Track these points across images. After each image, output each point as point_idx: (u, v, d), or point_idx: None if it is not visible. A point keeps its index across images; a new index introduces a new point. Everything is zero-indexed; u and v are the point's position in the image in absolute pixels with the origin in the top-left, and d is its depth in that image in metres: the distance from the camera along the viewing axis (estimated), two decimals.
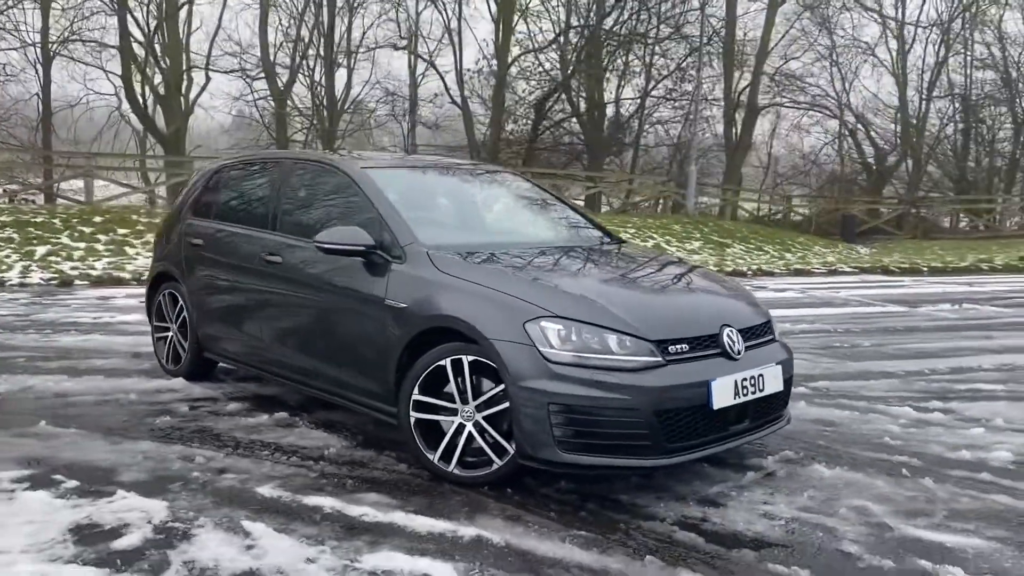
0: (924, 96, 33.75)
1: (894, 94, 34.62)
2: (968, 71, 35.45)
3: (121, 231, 14.46)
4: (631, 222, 19.43)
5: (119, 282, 11.45)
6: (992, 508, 3.71)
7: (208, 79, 26.78)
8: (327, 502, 3.62)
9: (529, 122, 26.34)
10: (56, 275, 11.40)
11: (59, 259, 12.54)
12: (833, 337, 8.13)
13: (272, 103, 25.85)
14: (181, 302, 5.61)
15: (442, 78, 26.28)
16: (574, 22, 26.00)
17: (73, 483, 3.76)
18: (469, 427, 3.81)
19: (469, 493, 3.77)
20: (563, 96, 26.18)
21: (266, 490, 3.75)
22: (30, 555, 3.07)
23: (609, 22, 25.51)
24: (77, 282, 11.24)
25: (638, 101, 28.57)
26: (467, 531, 3.34)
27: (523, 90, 26.89)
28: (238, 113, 27.84)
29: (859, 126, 35.55)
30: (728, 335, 3.85)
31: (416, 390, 3.92)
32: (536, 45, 26.05)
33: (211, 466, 4.05)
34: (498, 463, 3.76)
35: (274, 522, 3.39)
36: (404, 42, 25.05)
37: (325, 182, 4.96)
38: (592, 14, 25.45)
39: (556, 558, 3.13)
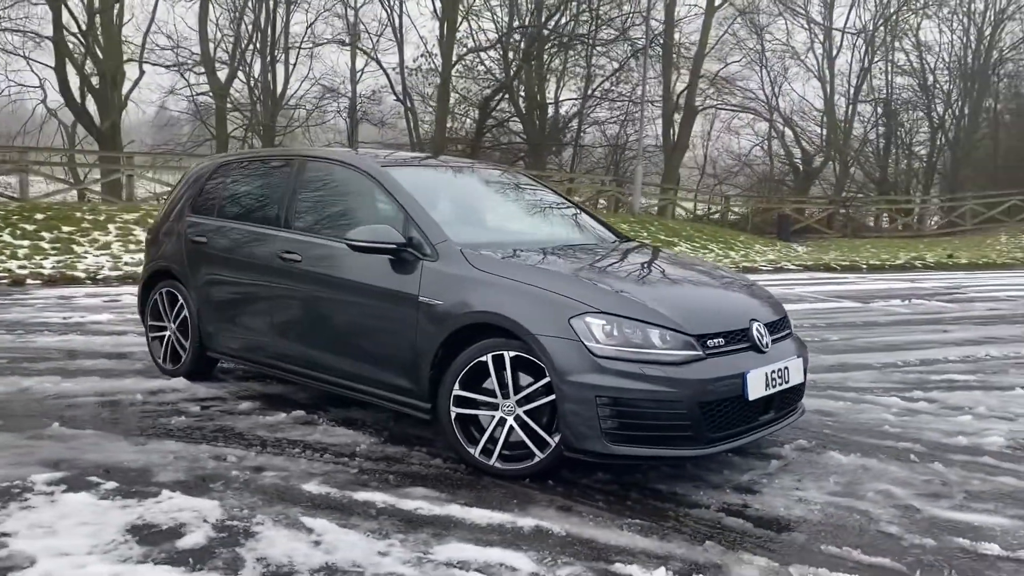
0: (850, 100, 34.99)
1: (821, 98, 35.85)
2: (889, 77, 36.97)
3: (66, 228, 14.02)
4: None
5: (73, 281, 11.11)
6: (1002, 489, 3.97)
7: (142, 72, 26.08)
8: (377, 497, 3.66)
9: (473, 121, 26.40)
10: (6, 274, 11.00)
11: (4, 257, 12.10)
12: (801, 332, 8.42)
13: (211, 98, 25.29)
14: (181, 300, 5.54)
15: (387, 74, 26.18)
16: (517, 23, 26.14)
17: (112, 484, 3.71)
18: (510, 421, 3.90)
19: (511, 486, 3.85)
20: (507, 95, 26.32)
21: (312, 487, 3.77)
22: (96, 556, 3.04)
23: (551, 23, 25.71)
24: (29, 281, 10.86)
25: (579, 101, 28.94)
26: (525, 522, 3.43)
27: (463, 87, 26.94)
28: (178, 109, 27.17)
29: (786, 129, 36.74)
30: (756, 329, 4.03)
31: (457, 385, 3.98)
32: (480, 44, 26.14)
33: (246, 465, 4.04)
34: (539, 456, 3.85)
35: (332, 518, 3.42)
36: (350, 38, 24.80)
37: (342, 180, 4.97)
38: (532, 16, 25.67)
39: (620, 546, 3.24)
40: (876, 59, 35.19)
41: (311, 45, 26.66)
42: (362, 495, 3.68)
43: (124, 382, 5.52)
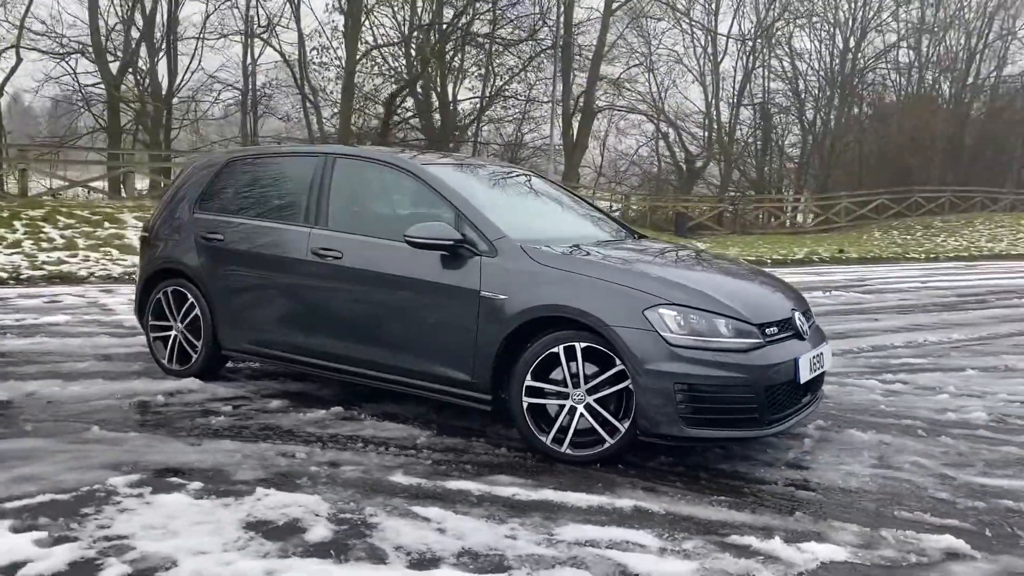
0: (733, 104, 36.71)
1: (706, 101, 37.46)
2: (766, 83, 39.02)
3: None
4: None
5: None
6: (1010, 457, 4.46)
7: (19, 60, 24.52)
8: (468, 485, 3.78)
9: (376, 118, 26.19)
10: None
11: None
12: None
13: (102, 88, 24.05)
14: (191, 299, 5.43)
15: (290, 68, 25.57)
16: (420, 20, 26.11)
17: (197, 484, 3.68)
18: (580, 409, 4.09)
19: (585, 471, 4.04)
20: (411, 92, 26.25)
21: (399, 478, 3.85)
22: (235, 553, 3.04)
23: (455, 21, 25.81)
24: None
25: (481, 100, 29.18)
26: (623, 503, 3.63)
27: (368, 83, 26.70)
28: (63, 99, 25.64)
29: (671, 130, 38.23)
30: (798, 317, 4.37)
31: (529, 376, 4.14)
32: (384, 41, 25.96)
33: (318, 460, 4.07)
34: (610, 441, 4.06)
35: (439, 506, 3.52)
36: (251, 28, 24.13)
37: (382, 178, 5.03)
38: (433, 14, 25.70)
39: (721, 520, 3.49)
40: (755, 65, 37.03)
41: (216, 36, 25.79)
42: (453, 484, 3.79)
43: (134, 384, 5.37)
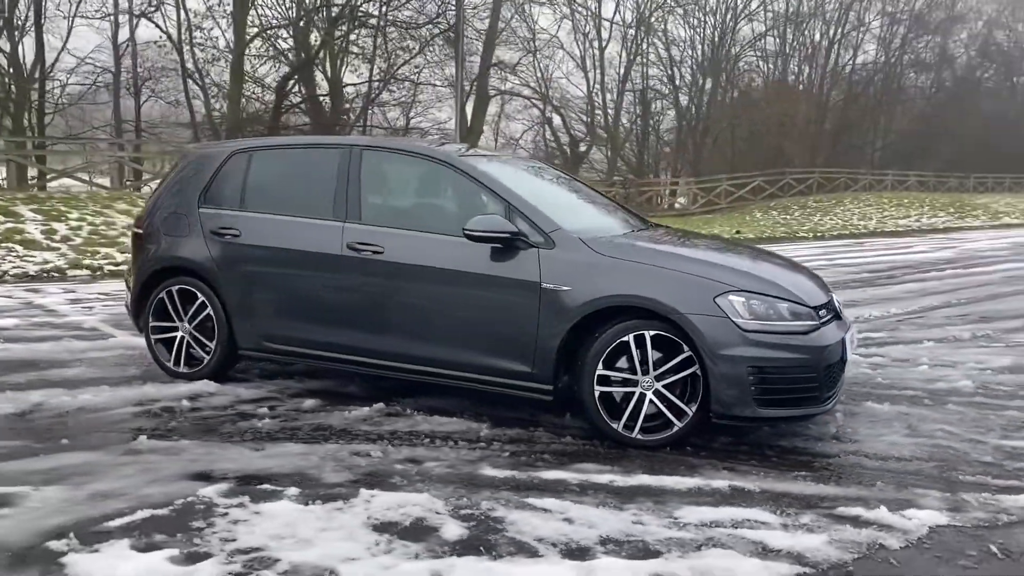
0: (618, 90, 37.61)
1: (596, 86, 38.20)
2: (645, 70, 40.17)
3: None
4: None
5: None
6: (1018, 420, 4.89)
7: None
8: (562, 475, 3.84)
9: (264, 104, 25.33)
10: None
11: None
12: None
13: None
14: (202, 298, 5.20)
15: (176, 50, 24.29)
16: (310, 3, 25.39)
17: (293, 490, 3.58)
18: (650, 395, 4.21)
19: (659, 454, 4.17)
20: (301, 77, 25.51)
21: (489, 472, 3.86)
22: (385, 557, 3.01)
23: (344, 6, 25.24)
24: None
25: (368, 84, 28.67)
26: (718, 484, 3.78)
27: (255, 68, 25.77)
28: None
29: (555, 115, 38.86)
30: (835, 300, 4.64)
31: (600, 365, 4.22)
32: (273, 23, 25.08)
33: (396, 458, 4.02)
34: (678, 425, 4.21)
35: (549, 496, 3.57)
36: (146, 7, 22.81)
37: (419, 171, 4.99)
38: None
39: (815, 494, 3.69)
40: (636, 52, 38.02)
41: (102, 16, 24.14)
42: (547, 475, 3.84)
43: (146, 389, 5.10)
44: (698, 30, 40.53)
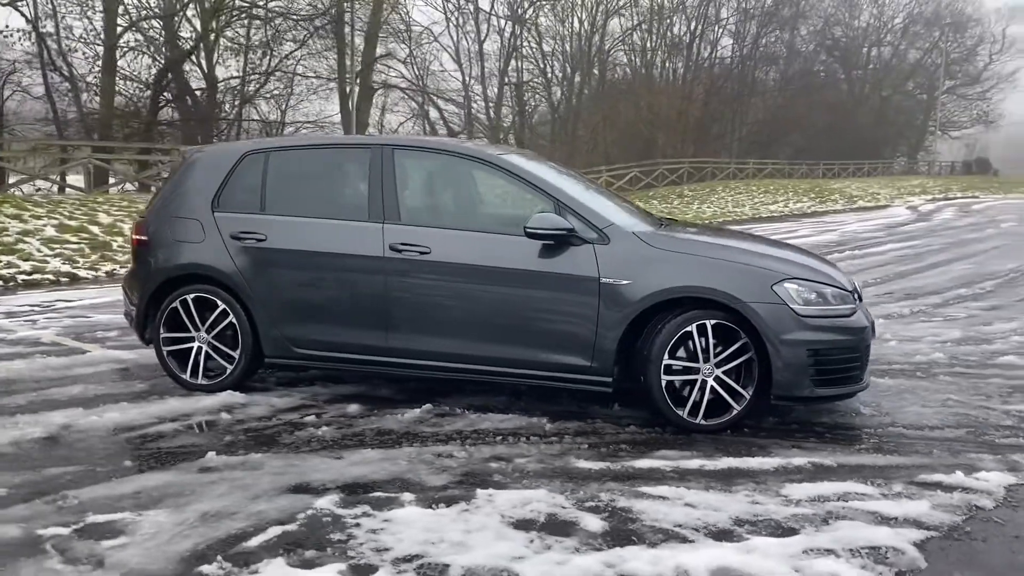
0: (499, 83, 37.95)
1: (459, 79, 38.37)
2: (520, 64, 40.74)
3: None
4: None
5: None
6: (1009, 385, 5.39)
7: None
8: (652, 463, 3.98)
9: (139, 100, 24.00)
10: None
11: None
12: None
13: None
14: (223, 306, 5.00)
15: (43, 44, 22.57)
16: None
17: (407, 495, 3.56)
18: (710, 382, 4.41)
19: (723, 437, 4.37)
20: (174, 71, 24.32)
21: (583, 464, 3.95)
22: (552, 553, 3.05)
23: None
24: None
25: (243, 79, 27.73)
26: (797, 461, 4.01)
27: (129, 63, 24.38)
28: None
29: (431, 108, 38.83)
30: (856, 284, 4.99)
31: (666, 355, 4.38)
32: (143, 14, 23.75)
33: (482, 457, 4.04)
34: (737, 409, 4.42)
35: (655, 484, 3.69)
36: None
37: (458, 170, 4.97)
38: None
39: (888, 465, 3.98)
40: (512, 46, 38.46)
41: None
42: (637, 464, 3.97)
43: (171, 404, 4.87)
44: (566, 24, 41.47)
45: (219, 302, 5.02)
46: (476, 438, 4.33)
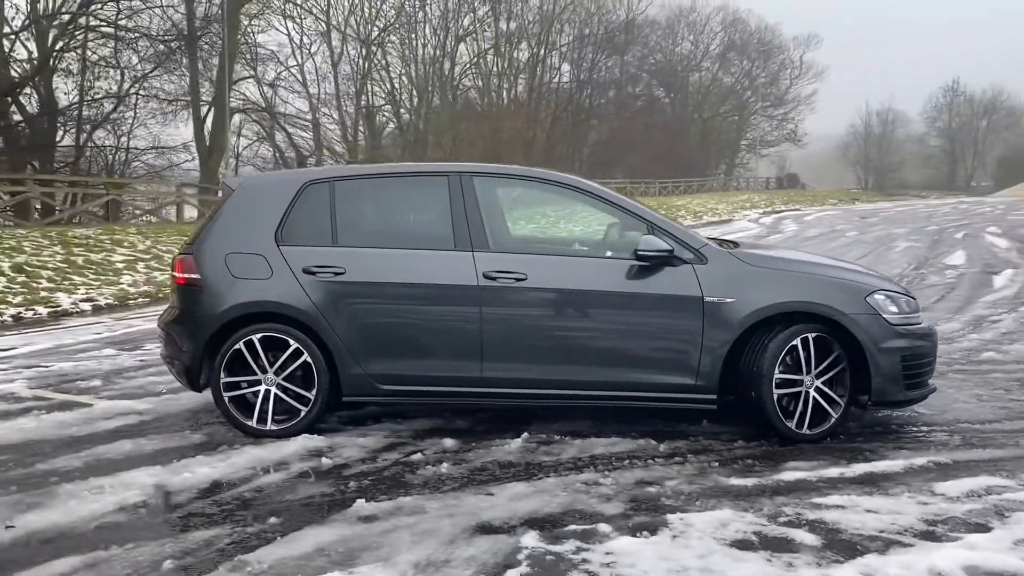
0: (355, 105, 37.44)
1: (312, 101, 37.59)
2: (370, 86, 40.47)
3: None
4: (150, 232, 18.04)
5: None
6: (1015, 378, 5.95)
7: None
8: (794, 476, 4.11)
9: None
10: None
11: None
12: None
13: None
14: (294, 345, 4.71)
15: None
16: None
17: (604, 527, 3.50)
18: (812, 393, 4.62)
19: (827, 444, 4.59)
20: (12, 95, 22.32)
21: (734, 481, 4.03)
22: (806, 570, 3.10)
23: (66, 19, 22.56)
24: None
25: (81, 99, 25.85)
26: (919, 461, 4.28)
27: None
28: None
29: (278, 131, 37.84)
30: None
31: (778, 370, 4.53)
32: None
33: (632, 481, 4.04)
34: (835, 417, 4.65)
35: (820, 496, 3.83)
36: None
37: (541, 197, 4.93)
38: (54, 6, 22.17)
39: (995, 459, 4.32)
40: (364, 70, 38.11)
41: None
42: (781, 477, 4.09)
43: (255, 452, 4.51)
44: (411, 48, 41.59)
45: (291, 341, 4.71)
46: (604, 464, 4.30)
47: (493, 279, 4.62)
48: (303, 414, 4.75)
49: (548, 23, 44.38)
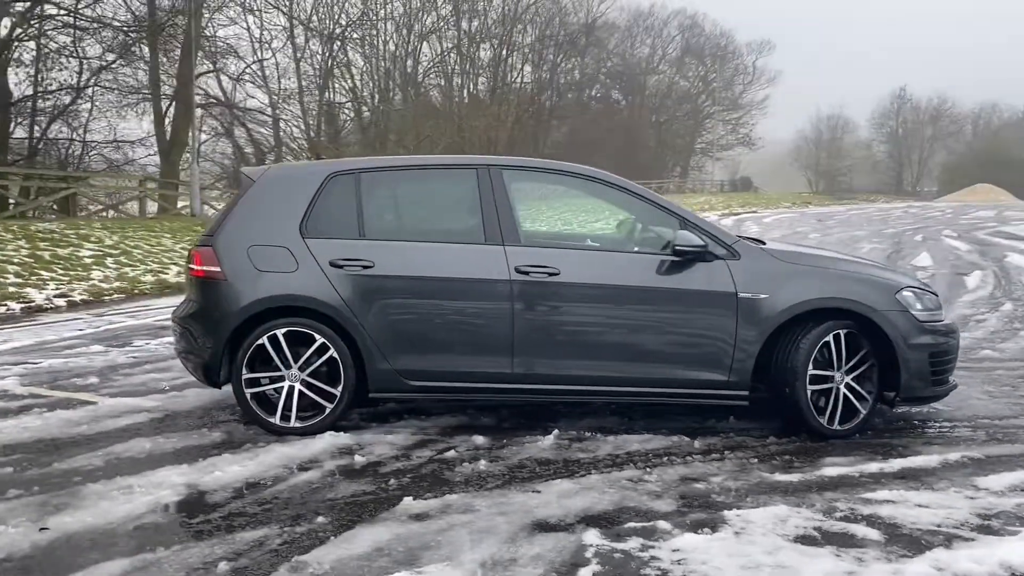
0: (317, 102, 36.91)
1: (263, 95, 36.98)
2: (331, 83, 39.87)
3: None
4: (115, 228, 17.60)
5: None
6: (1014, 375, 6.06)
7: None
8: (835, 471, 4.10)
9: None
10: None
11: None
12: None
13: None
14: (320, 340, 4.59)
15: None
16: None
17: (663, 524, 3.45)
18: (842, 389, 4.63)
19: (858, 440, 4.61)
20: None
21: (779, 477, 4.02)
22: (879, 564, 3.09)
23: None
24: None
25: (34, 92, 25.09)
26: (953, 456, 4.31)
27: None
28: None
29: (237, 128, 37.16)
30: None
31: (811, 366, 4.54)
32: None
33: (676, 477, 4.01)
34: (863, 413, 4.67)
35: (868, 492, 3.83)
36: None
37: (570, 190, 4.93)
38: None
39: (1020, 454, 4.37)
40: (326, 67, 37.59)
41: None
42: (824, 473, 4.09)
43: (281, 451, 4.36)
44: (372, 45, 41.15)
45: (317, 335, 4.59)
46: (643, 461, 4.26)
47: (526, 273, 4.55)
48: (328, 411, 4.63)
49: (510, 24, 44.38)
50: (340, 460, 4.26)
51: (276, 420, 4.62)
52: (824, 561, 3.10)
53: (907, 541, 3.28)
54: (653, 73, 65.02)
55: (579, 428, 4.79)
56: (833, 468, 4.14)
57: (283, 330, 4.59)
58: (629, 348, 4.61)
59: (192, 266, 4.81)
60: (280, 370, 4.62)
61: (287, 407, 4.62)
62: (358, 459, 4.26)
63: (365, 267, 4.59)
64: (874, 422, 4.89)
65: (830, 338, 4.56)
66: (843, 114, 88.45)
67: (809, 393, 4.55)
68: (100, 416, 5.08)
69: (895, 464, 4.20)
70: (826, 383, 4.60)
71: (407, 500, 3.68)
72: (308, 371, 4.62)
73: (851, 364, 4.61)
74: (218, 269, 4.68)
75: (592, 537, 3.30)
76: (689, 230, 4.63)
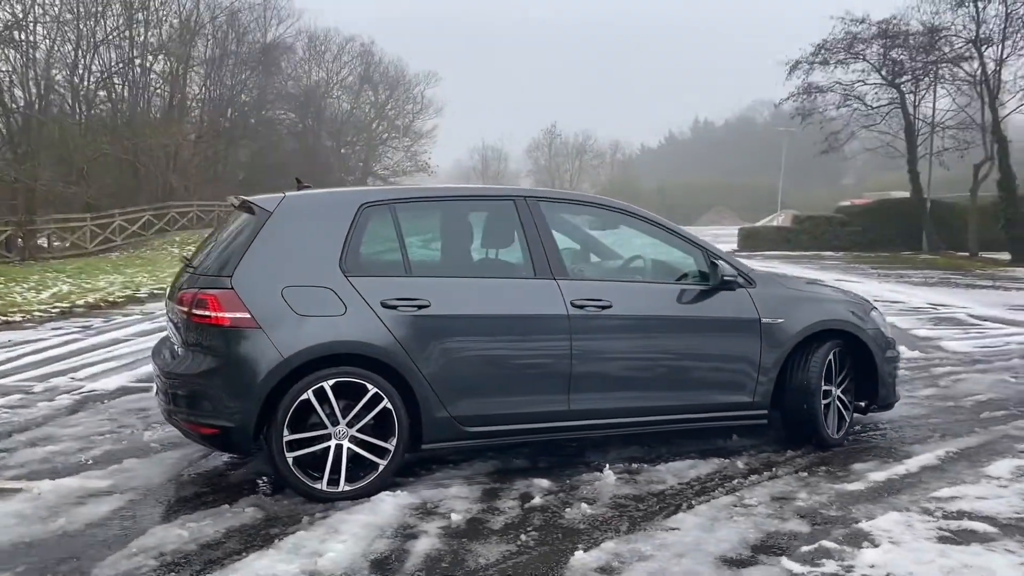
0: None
1: None
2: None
3: None
4: None
5: None
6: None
7: None
8: (876, 475, 4.54)
9: None
10: None
11: None
12: None
13: None
14: (372, 390, 4.11)
15: None
16: None
17: (828, 543, 3.63)
18: (836, 402, 5.15)
19: (852, 446, 5.14)
20: None
21: (848, 487, 4.37)
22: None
23: None
24: None
25: None
26: (940, 452, 4.98)
27: None
28: None
29: None
30: None
31: (823, 383, 4.97)
32: None
33: (762, 499, 4.18)
34: (848, 421, 5.23)
35: (923, 492, 4.33)
36: None
37: (605, 222, 4.88)
38: None
39: (985, 443, 5.17)
40: None
41: None
42: (871, 477, 4.52)
43: (357, 524, 3.81)
44: (30, 48, 36.23)
45: (369, 385, 4.11)
46: (715, 486, 4.37)
47: (581, 307, 4.48)
48: (382, 468, 4.16)
49: (188, 38, 41.51)
50: (434, 522, 3.86)
51: (323, 486, 4.05)
52: (997, 557, 3.48)
53: (1014, 529, 3.76)
54: (329, 97, 64.61)
55: (622, 460, 4.77)
56: (874, 474, 4.56)
57: (331, 381, 4.05)
58: (673, 377, 4.72)
59: (205, 312, 4.04)
60: (326, 427, 4.06)
61: (335, 469, 4.07)
62: (455, 518, 3.89)
63: (421, 307, 4.20)
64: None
65: (832, 356, 5.04)
66: (501, 148, 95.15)
67: (822, 407, 4.99)
68: (57, 508, 4.05)
69: (913, 464, 4.74)
70: (827, 397, 5.07)
71: (579, 554, 3.47)
72: (357, 426, 4.11)
73: (841, 378, 5.13)
74: (247, 315, 4.00)
75: (791, 565, 3.38)
76: (717, 261, 4.84)
